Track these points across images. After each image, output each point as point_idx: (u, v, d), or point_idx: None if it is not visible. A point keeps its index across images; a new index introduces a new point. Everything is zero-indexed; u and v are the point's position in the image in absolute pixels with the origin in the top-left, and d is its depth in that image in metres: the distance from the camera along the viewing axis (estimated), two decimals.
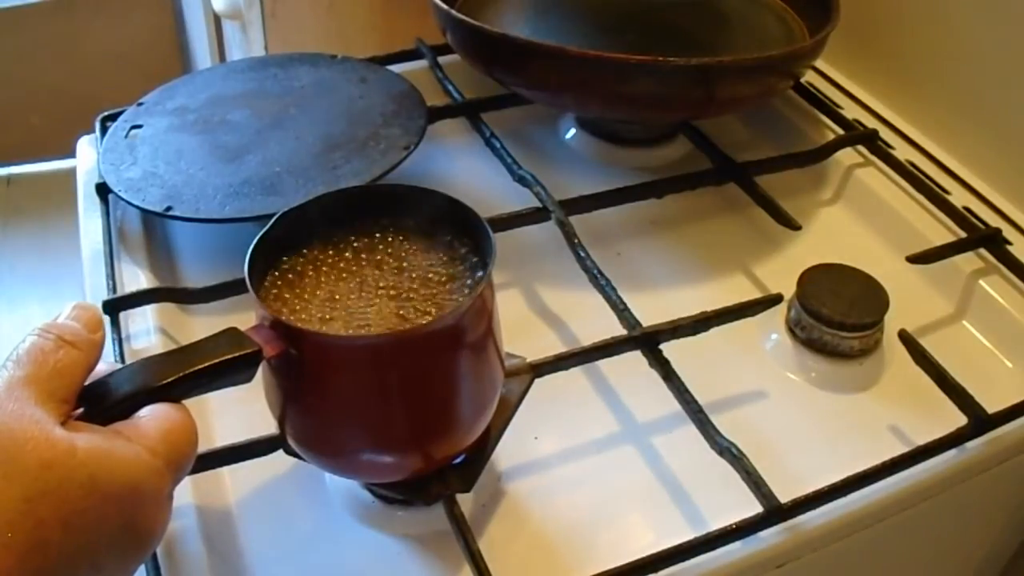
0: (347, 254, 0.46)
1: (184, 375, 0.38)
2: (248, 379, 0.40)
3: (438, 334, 0.41)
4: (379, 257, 0.46)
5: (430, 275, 0.45)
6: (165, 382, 0.37)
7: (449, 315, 0.41)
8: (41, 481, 0.32)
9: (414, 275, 0.45)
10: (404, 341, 0.41)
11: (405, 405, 0.43)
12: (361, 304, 0.43)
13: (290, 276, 0.45)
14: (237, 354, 0.39)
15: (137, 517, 0.35)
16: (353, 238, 0.46)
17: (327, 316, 0.43)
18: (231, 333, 0.40)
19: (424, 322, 0.42)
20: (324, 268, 0.45)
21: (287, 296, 0.43)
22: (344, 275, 0.45)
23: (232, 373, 0.39)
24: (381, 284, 0.44)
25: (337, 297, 0.44)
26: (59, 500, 0.32)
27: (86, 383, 0.37)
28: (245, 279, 0.42)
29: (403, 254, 0.46)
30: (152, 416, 0.37)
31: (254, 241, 0.43)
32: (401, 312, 0.43)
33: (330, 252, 0.46)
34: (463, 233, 0.46)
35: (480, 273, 0.44)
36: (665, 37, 0.75)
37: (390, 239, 0.47)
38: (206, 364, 0.38)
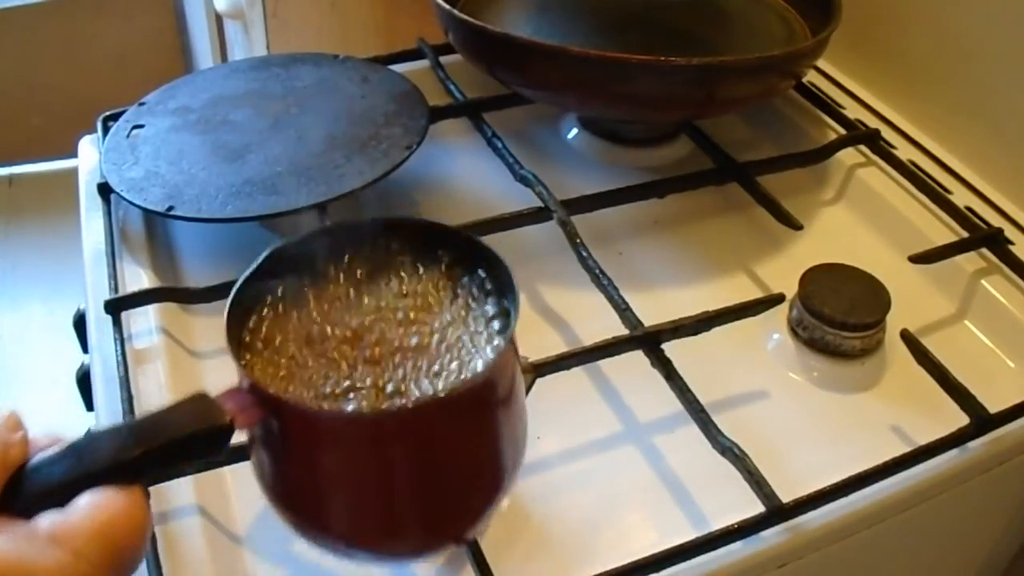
0: (346, 302, 0.40)
1: (133, 458, 0.32)
2: (221, 456, 0.35)
3: (451, 406, 0.35)
4: (383, 307, 0.40)
5: (442, 329, 0.39)
6: (108, 467, 0.31)
7: (464, 386, 0.36)
8: None
9: (424, 330, 0.39)
10: (409, 417, 0.35)
11: (409, 487, 0.37)
12: (361, 364, 0.38)
13: (278, 326, 0.39)
14: (202, 428, 0.33)
15: None
16: (353, 284, 0.41)
17: (320, 379, 0.37)
18: (198, 400, 0.34)
19: (433, 393, 0.36)
20: (318, 319, 0.39)
21: (273, 352, 0.38)
22: (342, 327, 0.39)
23: (197, 451, 0.33)
24: (385, 340, 0.39)
25: (332, 355, 0.38)
26: None
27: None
28: (224, 328, 0.36)
29: (411, 304, 0.40)
30: (89, 505, 0.30)
31: (238, 283, 0.38)
32: (408, 376, 0.37)
33: (326, 299, 0.40)
34: (481, 277, 0.41)
35: (499, 338, 0.38)
36: (667, 37, 0.75)
37: (396, 285, 0.41)
38: (163, 441, 0.32)
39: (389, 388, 0.37)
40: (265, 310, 0.39)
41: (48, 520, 0.30)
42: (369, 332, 0.39)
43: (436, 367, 0.38)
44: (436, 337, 0.39)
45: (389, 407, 0.36)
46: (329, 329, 0.39)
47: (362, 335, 0.39)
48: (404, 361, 0.38)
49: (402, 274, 0.42)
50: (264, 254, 0.39)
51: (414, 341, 0.38)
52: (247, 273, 0.39)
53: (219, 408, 0.33)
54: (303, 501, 0.38)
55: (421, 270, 0.42)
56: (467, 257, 0.41)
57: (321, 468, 0.36)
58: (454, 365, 0.37)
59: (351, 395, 0.37)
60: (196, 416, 0.33)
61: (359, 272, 0.41)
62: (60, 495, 0.31)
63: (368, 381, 0.37)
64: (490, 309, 0.40)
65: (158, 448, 0.32)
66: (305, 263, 0.41)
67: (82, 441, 0.33)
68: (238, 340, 0.37)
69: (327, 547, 0.40)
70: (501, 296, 0.40)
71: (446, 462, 0.37)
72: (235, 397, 0.34)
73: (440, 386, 0.37)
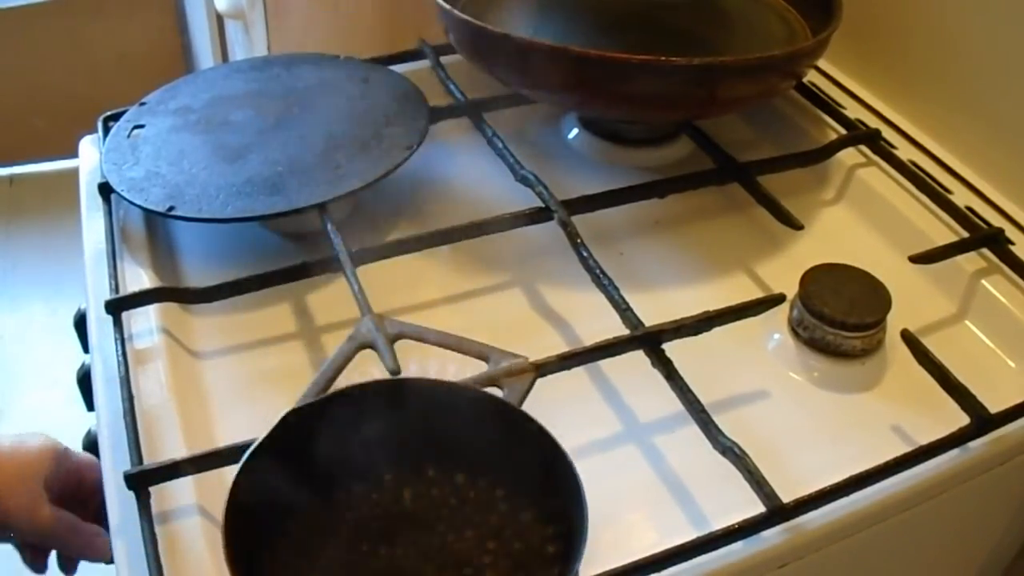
0: (383, 518, 0.33)
1: None
2: None
3: None
4: (416, 522, 0.33)
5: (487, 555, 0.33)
6: None
7: None
8: None
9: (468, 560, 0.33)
10: None
11: None
12: None
13: (291, 543, 0.32)
14: None
15: None
16: (374, 492, 0.34)
17: None
18: None
19: None
20: (339, 534, 0.33)
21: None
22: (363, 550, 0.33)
23: None
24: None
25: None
26: None
27: None
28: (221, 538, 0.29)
29: (449, 522, 0.33)
30: None
31: (241, 461, 0.30)
32: None
33: (348, 509, 0.33)
34: (537, 488, 0.34)
35: None
36: (667, 37, 0.75)
37: (433, 493, 0.34)
38: None
39: None
40: (273, 522, 0.32)
41: None
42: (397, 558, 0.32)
43: None
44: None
45: None
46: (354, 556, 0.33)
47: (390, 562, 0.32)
48: None
49: (447, 484, 0.35)
50: (276, 423, 0.31)
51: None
52: (253, 448, 0.31)
53: None
54: None
55: (480, 483, 0.35)
56: (536, 467, 0.34)
57: None
58: None
59: None
60: None
61: (388, 470, 0.34)
62: None
63: None
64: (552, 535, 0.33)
65: None
66: (327, 444, 0.33)
67: None
68: (243, 557, 0.30)
69: None
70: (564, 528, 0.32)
71: None
72: None
73: None
